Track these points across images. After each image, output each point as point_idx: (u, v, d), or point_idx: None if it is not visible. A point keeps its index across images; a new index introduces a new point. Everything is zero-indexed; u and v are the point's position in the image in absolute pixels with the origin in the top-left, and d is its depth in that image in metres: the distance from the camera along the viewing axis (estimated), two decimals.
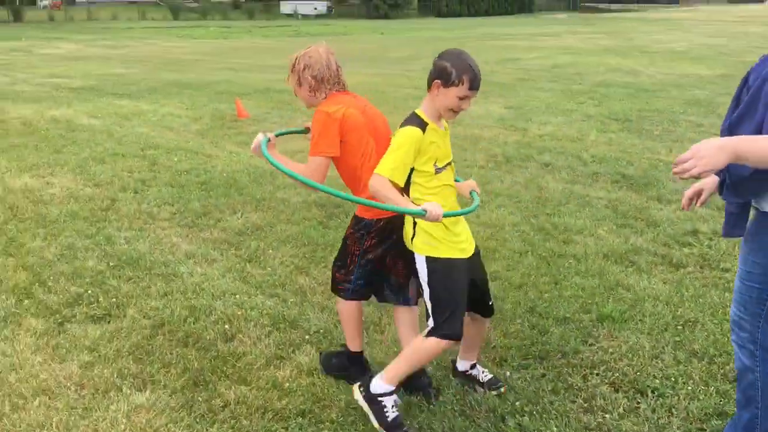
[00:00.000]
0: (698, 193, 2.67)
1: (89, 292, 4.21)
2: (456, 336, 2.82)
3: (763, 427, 2.54)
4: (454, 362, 3.32)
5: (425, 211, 2.61)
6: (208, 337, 3.68)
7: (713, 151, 2.06)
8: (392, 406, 2.86)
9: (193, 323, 3.83)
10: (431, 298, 2.84)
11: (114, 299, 4.13)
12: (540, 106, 10.75)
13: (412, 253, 2.90)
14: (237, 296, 4.17)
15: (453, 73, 2.69)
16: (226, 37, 31.02)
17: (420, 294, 2.99)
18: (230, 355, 3.51)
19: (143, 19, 45.26)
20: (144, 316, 3.93)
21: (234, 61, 18.88)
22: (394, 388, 2.88)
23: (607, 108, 10.46)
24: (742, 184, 2.29)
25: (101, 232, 5.21)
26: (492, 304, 3.14)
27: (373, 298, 3.28)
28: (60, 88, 12.76)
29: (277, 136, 3.09)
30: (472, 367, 3.26)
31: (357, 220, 3.10)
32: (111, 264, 4.64)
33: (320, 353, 3.49)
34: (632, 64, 16.60)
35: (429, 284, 2.84)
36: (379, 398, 2.86)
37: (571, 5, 76.60)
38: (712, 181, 2.59)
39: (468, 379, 3.26)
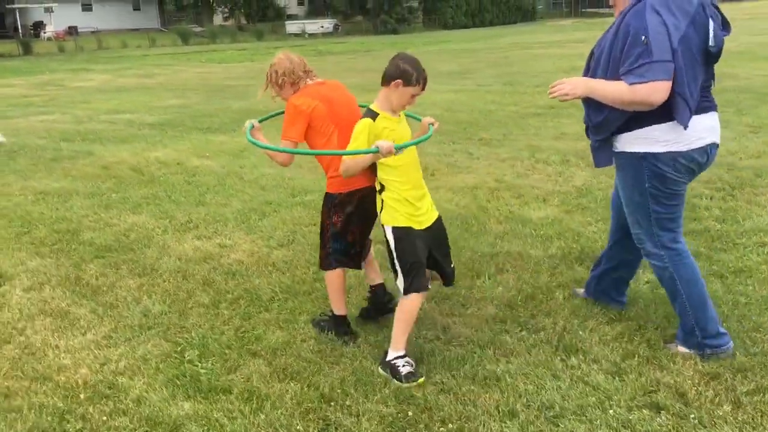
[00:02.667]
0: None
1: (404, 408, 3.16)
2: (424, 289, 3.38)
3: (693, 315, 3.26)
4: None
5: (378, 147, 3.08)
6: None
7: (579, 83, 3.24)
8: (403, 365, 3.33)
9: None
10: (399, 262, 3.33)
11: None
12: None
13: (370, 222, 3.65)
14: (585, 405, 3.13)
15: (414, 75, 3.20)
16: (251, 59, 30.02)
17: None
18: None
19: (154, 46, 44.25)
20: None
21: None
22: (403, 351, 3.38)
23: (754, 116, 9.56)
24: (598, 126, 3.29)
25: None
26: (453, 267, 3.59)
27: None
28: (135, 125, 11.69)
29: (260, 121, 3.74)
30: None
31: (326, 196, 3.67)
32: None
33: (312, 320, 3.98)
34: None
35: (395, 249, 3.33)
36: (392, 362, 3.36)
37: (573, 12, 76.14)
38: None
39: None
